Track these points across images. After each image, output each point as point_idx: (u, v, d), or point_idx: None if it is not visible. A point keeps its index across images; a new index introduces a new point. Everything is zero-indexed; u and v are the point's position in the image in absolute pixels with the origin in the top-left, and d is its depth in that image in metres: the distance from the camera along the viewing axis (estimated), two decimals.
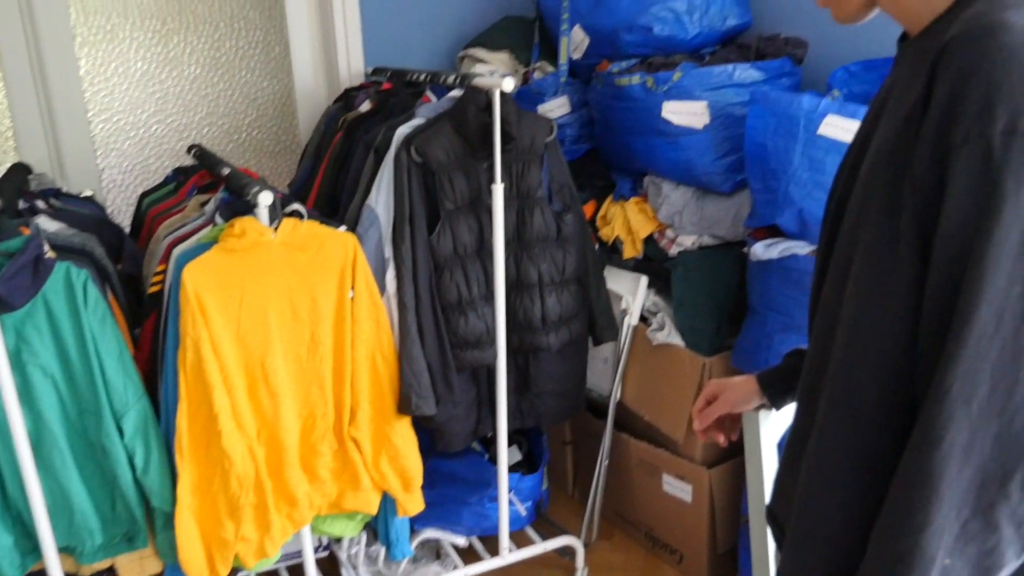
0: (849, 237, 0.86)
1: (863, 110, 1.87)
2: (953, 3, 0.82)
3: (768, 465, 1.29)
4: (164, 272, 1.90)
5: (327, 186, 2.41)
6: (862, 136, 0.94)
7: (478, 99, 2.01)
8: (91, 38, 2.51)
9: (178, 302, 1.75)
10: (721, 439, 1.28)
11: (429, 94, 2.26)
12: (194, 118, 2.73)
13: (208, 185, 2.23)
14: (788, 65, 2.22)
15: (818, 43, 2.30)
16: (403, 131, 2.05)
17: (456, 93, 2.13)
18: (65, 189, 2.37)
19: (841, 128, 1.87)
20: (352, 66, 2.80)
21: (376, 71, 2.72)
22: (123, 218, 2.65)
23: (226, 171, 2.06)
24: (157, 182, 2.51)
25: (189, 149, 2.43)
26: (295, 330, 1.88)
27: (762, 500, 1.29)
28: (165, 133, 2.70)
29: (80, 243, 1.92)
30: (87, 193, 2.44)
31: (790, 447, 1.03)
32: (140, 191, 2.49)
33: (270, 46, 2.79)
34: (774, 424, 1.30)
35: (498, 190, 2.00)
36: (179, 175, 2.42)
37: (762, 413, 1.27)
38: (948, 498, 0.71)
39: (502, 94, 1.94)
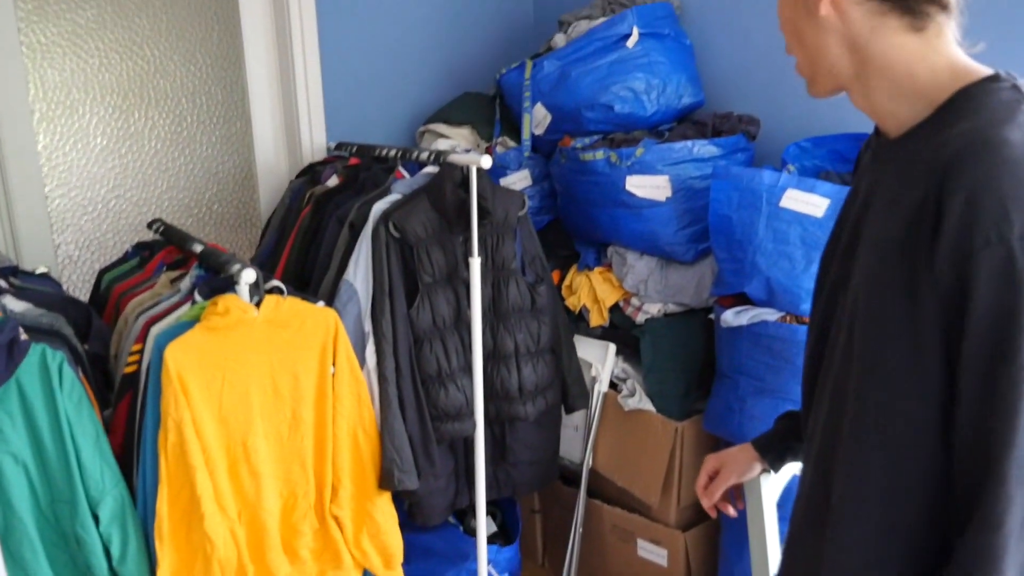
0: (861, 322, 0.92)
1: (819, 184, 1.99)
2: (936, 111, 0.90)
3: (770, 528, 1.33)
4: (140, 352, 1.86)
5: (296, 260, 2.41)
6: (852, 224, 1.01)
7: (454, 175, 2.06)
8: (50, 113, 2.48)
9: (159, 382, 1.72)
10: (731, 511, 1.32)
11: (401, 170, 2.30)
12: (154, 193, 2.70)
13: (177, 261, 2.20)
14: (743, 141, 2.35)
15: (768, 120, 2.44)
16: (380, 207, 2.08)
17: (431, 169, 2.18)
18: (20, 266, 2.31)
19: (801, 201, 1.98)
20: (314, 141, 2.83)
21: (339, 146, 2.76)
22: (79, 295, 2.58)
23: (199, 247, 2.05)
24: (115, 258, 2.47)
25: (150, 224, 2.41)
26: (277, 408, 1.86)
27: (766, 565, 1.33)
28: (124, 208, 2.66)
29: (48, 323, 1.87)
30: (42, 270, 2.38)
31: (804, 515, 1.07)
32: (97, 267, 2.44)
33: (231, 121, 2.80)
34: (772, 487, 1.35)
35: (475, 263, 2.04)
36: (141, 250, 2.39)
37: (762, 477, 1.32)
38: (1010, 570, 0.80)
39: (479, 170, 2.00)
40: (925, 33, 0.92)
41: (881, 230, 0.92)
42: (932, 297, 0.82)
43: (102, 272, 2.38)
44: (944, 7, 0.91)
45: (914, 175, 0.88)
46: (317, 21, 2.77)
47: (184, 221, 2.77)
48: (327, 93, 2.84)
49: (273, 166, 2.88)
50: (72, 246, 2.60)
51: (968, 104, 0.88)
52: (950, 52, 0.93)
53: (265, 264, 2.55)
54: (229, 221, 2.87)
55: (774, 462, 1.29)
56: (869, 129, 2.19)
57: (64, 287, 2.49)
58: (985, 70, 0.91)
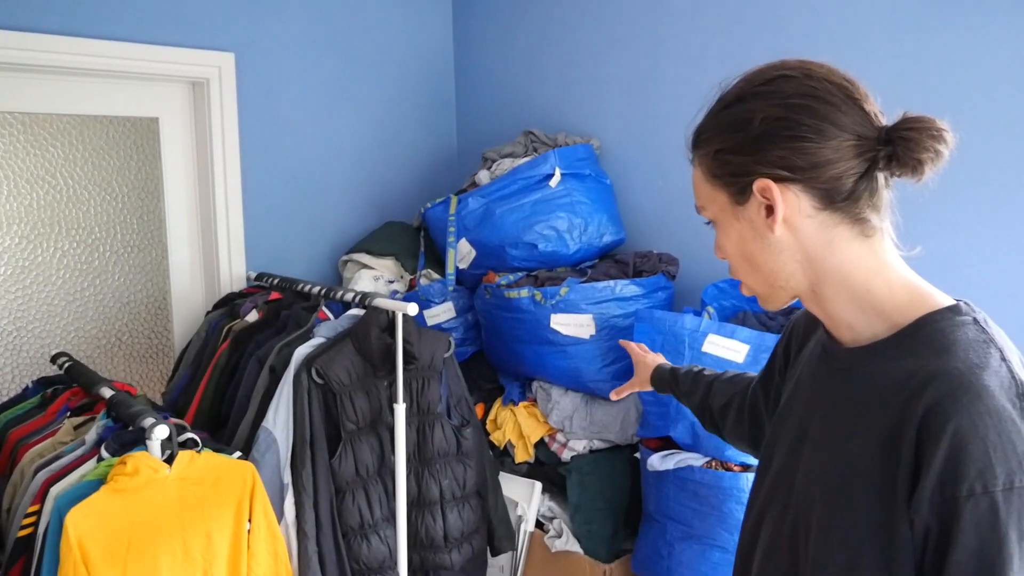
0: (820, 542, 0.91)
1: (739, 330, 2.05)
2: (897, 334, 0.90)
3: None
4: (37, 513, 1.73)
5: (211, 399, 2.32)
6: (797, 418, 1.01)
7: (380, 319, 2.04)
8: None
9: (57, 550, 1.59)
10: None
11: (325, 310, 2.27)
12: (59, 324, 2.58)
13: (83, 405, 2.09)
14: (663, 280, 2.42)
15: (686, 258, 2.52)
16: (303, 351, 2.04)
17: (356, 312, 2.16)
18: None
19: (722, 347, 2.03)
20: (233, 270, 2.78)
21: (260, 276, 2.71)
22: None
23: (108, 393, 1.95)
24: (14, 393, 2.32)
25: (54, 358, 2.29)
26: (187, 572, 1.74)
27: None
28: (25, 341, 2.53)
29: None
30: None
31: None
32: None
33: (147, 249, 2.73)
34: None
35: (400, 410, 2.00)
36: (42, 387, 2.26)
37: None
38: None
39: (404, 316, 1.99)
40: (873, 240, 0.93)
41: (843, 449, 0.91)
42: (908, 537, 0.83)
43: None
44: (877, 208, 0.92)
45: (879, 397, 0.89)
46: (239, 148, 2.76)
47: (92, 353, 2.65)
48: (248, 221, 2.81)
49: (189, 296, 2.80)
50: None
51: (936, 337, 0.88)
52: (902, 267, 0.94)
53: (177, 401, 2.44)
54: (140, 352, 2.76)
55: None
56: None
57: None
58: (944, 297, 0.92)
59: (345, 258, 2.92)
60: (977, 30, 1.92)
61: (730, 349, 2.02)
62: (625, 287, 2.36)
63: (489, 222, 2.55)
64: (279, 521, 1.90)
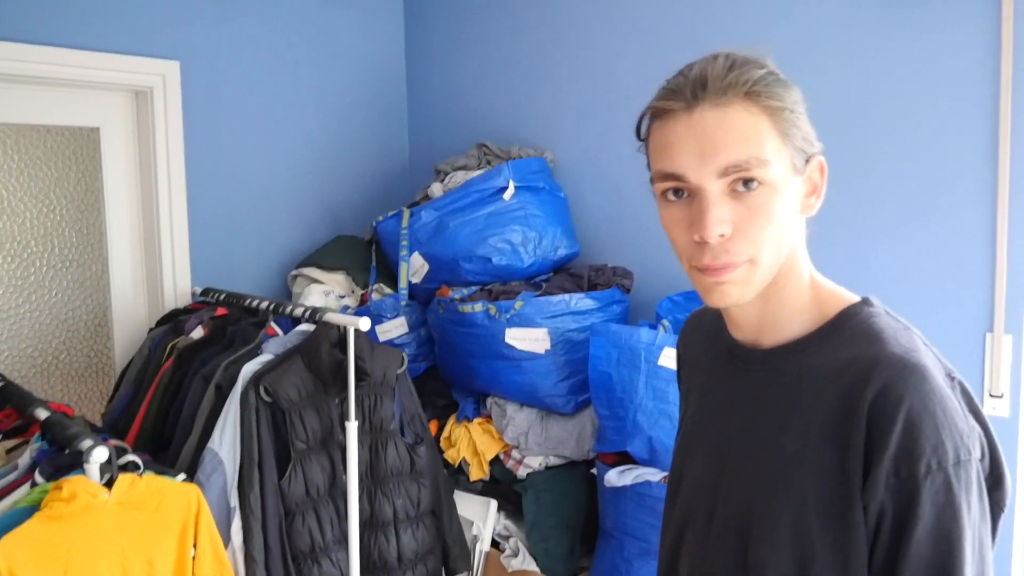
0: (768, 539, 0.90)
1: None
2: (819, 329, 0.92)
3: None
4: None
5: (153, 419, 2.23)
6: (717, 424, 1.01)
7: (331, 335, 1.99)
8: None
9: None
10: None
11: (274, 325, 2.20)
12: None
13: (16, 428, 1.99)
14: (618, 294, 2.41)
15: (639, 270, 2.51)
16: (251, 368, 1.97)
17: (306, 327, 2.10)
18: None
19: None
20: (178, 285, 2.69)
21: (205, 291, 2.63)
22: None
23: (44, 415, 1.86)
24: None
25: None
26: None
27: None
28: None
29: None
30: None
31: None
32: None
33: (86, 264, 2.63)
34: None
35: (352, 428, 1.94)
36: None
37: None
38: None
39: (356, 331, 1.94)
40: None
41: (778, 445, 0.91)
42: (862, 521, 0.83)
43: None
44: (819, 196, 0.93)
45: (813, 389, 0.89)
46: (185, 158, 2.68)
47: (27, 373, 2.54)
48: (193, 234, 2.73)
49: (131, 312, 2.70)
50: None
51: (862, 328, 0.90)
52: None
53: (118, 421, 2.35)
54: (78, 371, 2.65)
55: None
56: None
57: None
58: (846, 291, 0.96)
59: (295, 272, 2.86)
60: (921, 50, 1.96)
61: None
62: (580, 301, 2.35)
63: (443, 235, 2.51)
64: (226, 546, 1.83)
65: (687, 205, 0.89)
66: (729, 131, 0.86)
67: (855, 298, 0.95)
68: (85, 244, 2.62)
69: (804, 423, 0.89)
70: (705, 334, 1.11)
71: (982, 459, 0.84)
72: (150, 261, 2.70)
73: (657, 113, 0.93)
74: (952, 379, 0.87)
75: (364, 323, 1.91)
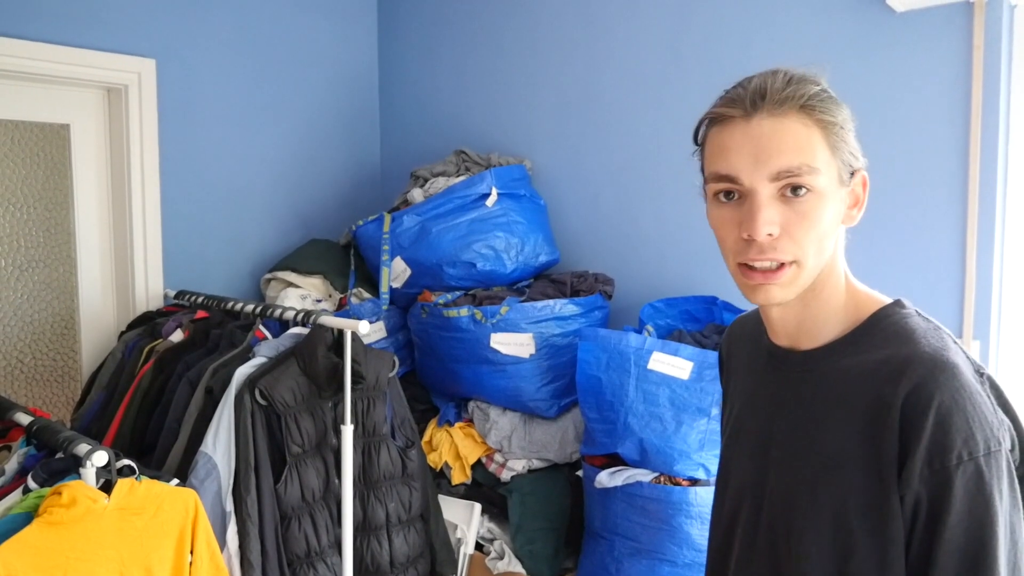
0: (811, 532, 0.95)
1: (682, 348, 2.10)
2: (853, 331, 0.98)
3: None
4: None
5: (132, 423, 2.17)
6: (761, 425, 1.05)
7: (326, 338, 1.98)
8: None
9: None
10: None
11: (263, 329, 2.17)
12: None
13: None
14: (600, 300, 2.45)
15: (619, 276, 2.57)
16: (245, 371, 1.95)
17: (298, 330, 2.08)
18: None
19: (667, 364, 2.08)
20: (150, 287, 2.63)
21: (179, 294, 2.57)
22: None
23: (25, 419, 1.81)
24: None
25: None
26: None
27: None
28: None
29: None
30: None
31: None
32: None
33: (53, 265, 2.54)
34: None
35: (347, 431, 1.94)
36: None
37: None
38: None
39: (353, 334, 1.93)
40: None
41: (818, 443, 0.96)
42: (899, 512, 0.88)
43: None
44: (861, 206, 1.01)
45: (850, 389, 0.94)
46: (159, 158, 2.63)
47: None
48: (166, 236, 2.67)
49: (100, 314, 2.62)
50: None
51: (895, 328, 0.96)
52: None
53: (91, 427, 2.28)
54: (43, 376, 2.56)
55: None
56: (716, 292, 2.34)
57: None
58: (877, 293, 1.02)
59: (268, 276, 2.82)
60: (895, 66, 2.07)
61: (675, 366, 2.07)
62: (564, 306, 2.38)
63: (425, 240, 2.52)
64: (222, 550, 1.80)
65: (737, 206, 0.95)
66: (783, 139, 0.92)
67: (887, 300, 1.01)
68: (52, 244, 2.54)
69: (842, 421, 0.94)
70: (747, 339, 1.16)
71: (1012, 450, 0.90)
72: (120, 263, 2.63)
73: (716, 119, 0.97)
74: (981, 375, 0.93)
75: (363, 326, 1.91)
